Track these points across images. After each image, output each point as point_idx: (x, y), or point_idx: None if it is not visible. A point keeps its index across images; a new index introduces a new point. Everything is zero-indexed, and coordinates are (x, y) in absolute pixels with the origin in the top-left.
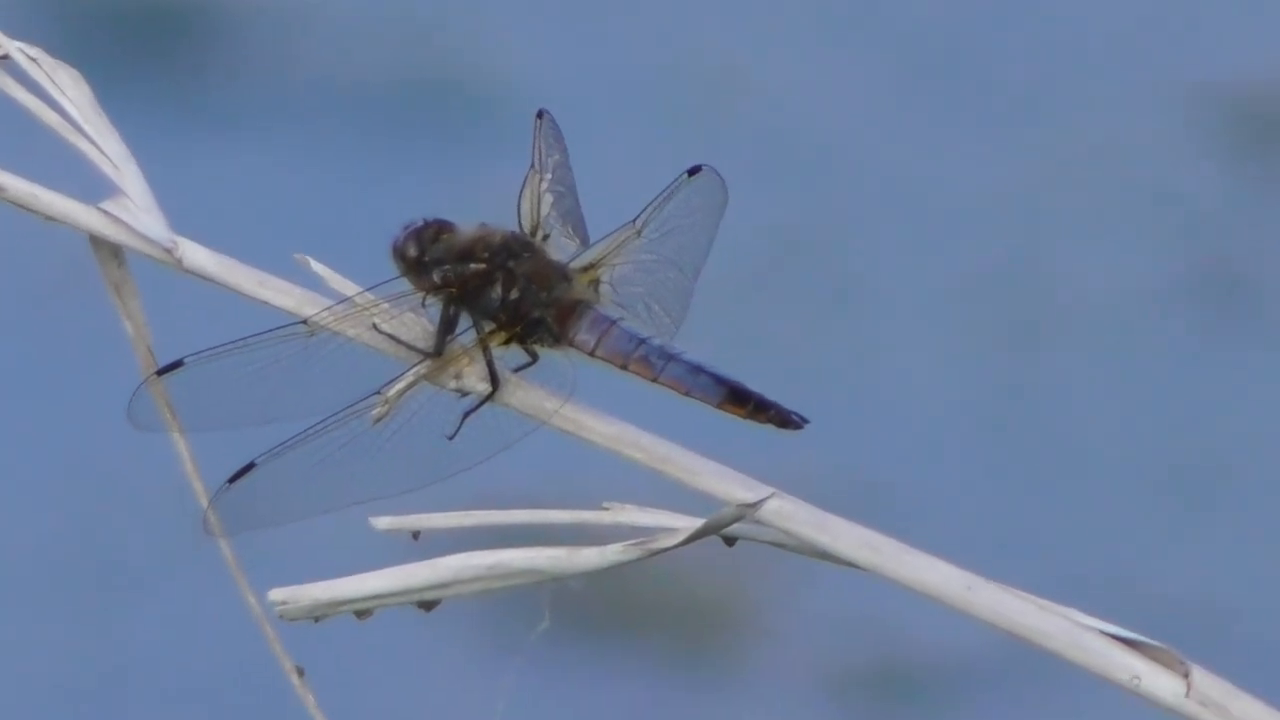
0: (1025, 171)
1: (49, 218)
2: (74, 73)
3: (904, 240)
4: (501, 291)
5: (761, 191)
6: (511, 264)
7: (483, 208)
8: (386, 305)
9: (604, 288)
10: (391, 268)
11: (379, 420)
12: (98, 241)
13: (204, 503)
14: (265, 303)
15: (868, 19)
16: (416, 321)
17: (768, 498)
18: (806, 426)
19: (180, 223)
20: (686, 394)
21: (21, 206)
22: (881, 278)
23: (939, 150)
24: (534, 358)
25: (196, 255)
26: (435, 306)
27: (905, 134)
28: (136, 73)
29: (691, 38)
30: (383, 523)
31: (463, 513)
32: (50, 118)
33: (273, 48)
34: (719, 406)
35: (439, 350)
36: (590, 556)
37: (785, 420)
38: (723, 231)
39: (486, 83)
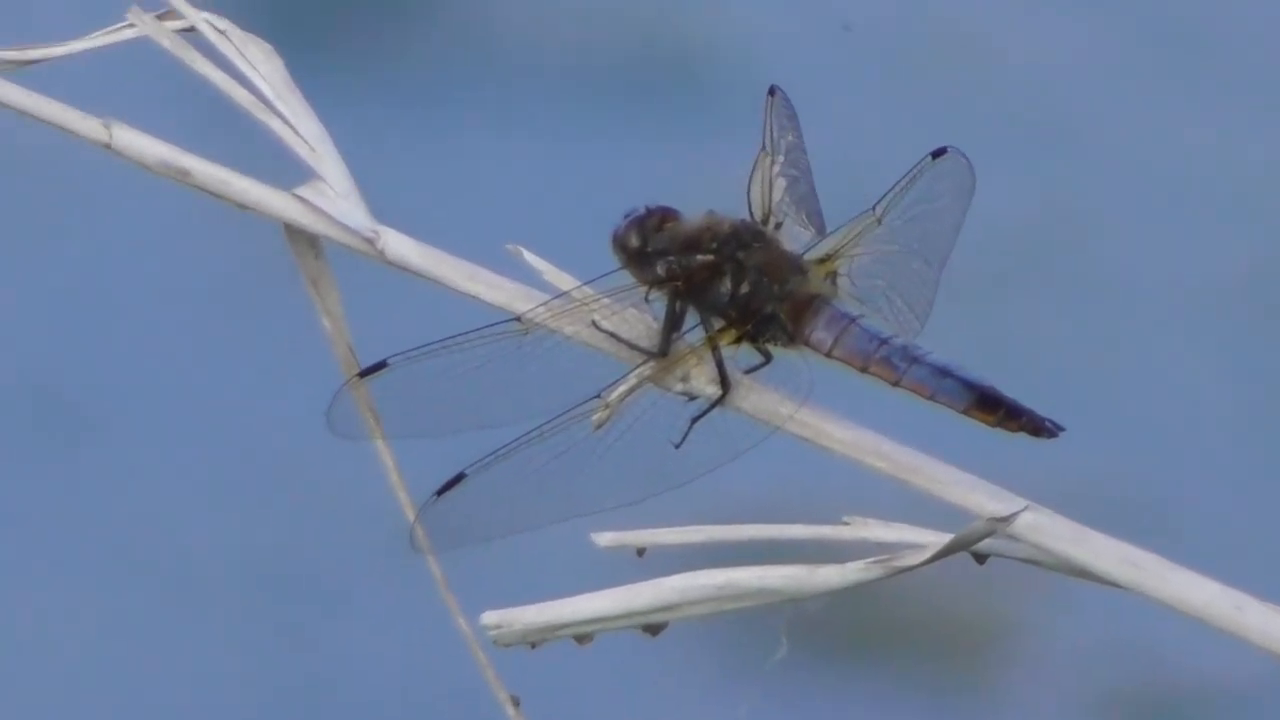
0: None
1: (241, 205)
2: (266, 46)
3: (1163, 229)
4: (731, 285)
5: (1008, 175)
6: (741, 255)
7: (710, 195)
8: (607, 301)
9: (842, 281)
10: (612, 260)
11: (600, 426)
12: (293, 231)
13: (411, 516)
14: (475, 298)
15: None
16: (639, 318)
17: (1021, 511)
18: (1061, 434)
19: (382, 210)
20: (931, 398)
21: (211, 193)
22: (1138, 270)
23: (1201, 129)
24: (767, 358)
25: (400, 246)
26: (660, 302)
27: (1162, 111)
28: (332, 47)
29: (936, 7)
30: (604, 539)
31: (690, 528)
32: (241, 95)
33: (479, 19)
34: (966, 412)
35: (664, 350)
36: (830, 575)
37: (1039, 428)
38: (969, 219)
39: (714, 56)
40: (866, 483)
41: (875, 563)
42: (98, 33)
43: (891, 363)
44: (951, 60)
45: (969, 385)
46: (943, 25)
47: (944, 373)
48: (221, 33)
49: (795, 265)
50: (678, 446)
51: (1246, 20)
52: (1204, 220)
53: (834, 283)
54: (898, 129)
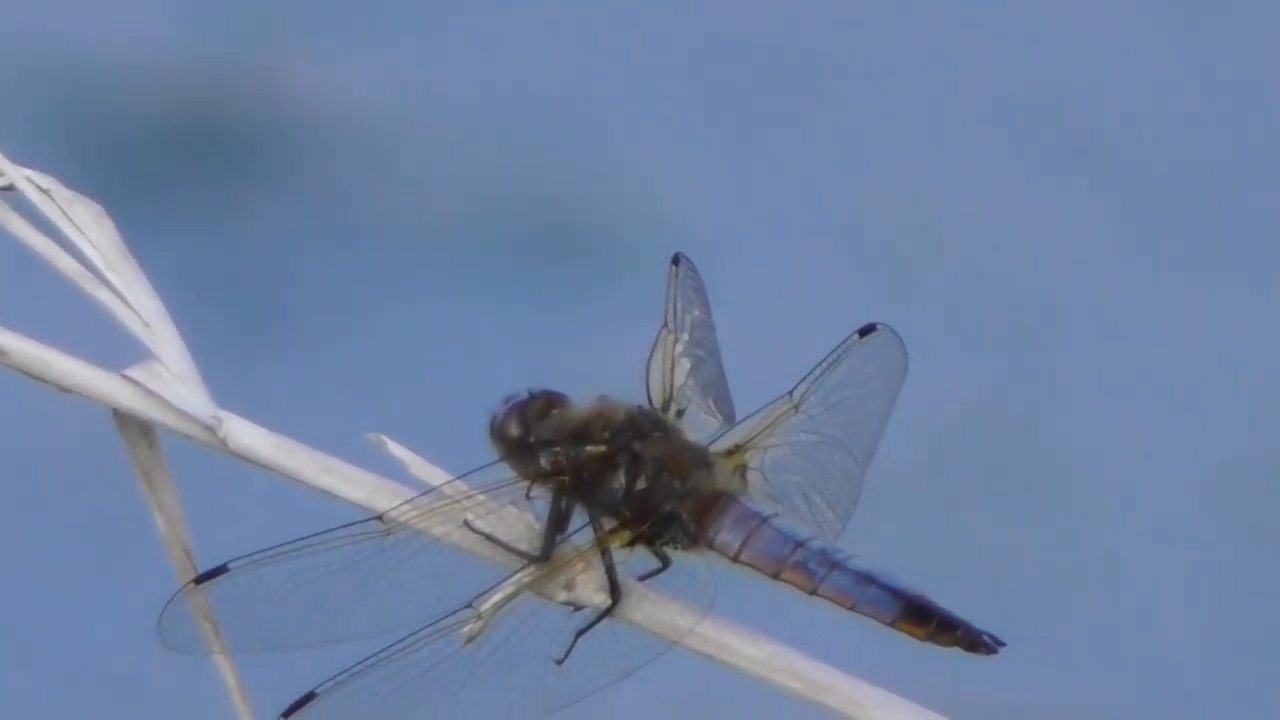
0: None
1: (64, 388)
2: (95, 208)
3: (1138, 418)
4: (625, 480)
5: (954, 355)
6: (638, 446)
7: (603, 378)
8: (482, 498)
9: (753, 476)
10: (489, 451)
11: (471, 640)
12: (123, 417)
13: None
14: (330, 494)
15: (1090, 147)
16: (519, 518)
17: None
18: (1002, 650)
19: (225, 395)
20: (853, 609)
21: (30, 374)
22: (1100, 466)
23: (1181, 307)
24: (665, 563)
25: (245, 435)
26: (543, 499)
27: (1137, 285)
28: (169, 209)
29: (879, 169)
30: None
31: None
32: (66, 263)
33: (336, 172)
34: (894, 625)
35: (547, 553)
36: None
37: (975, 642)
38: (901, 405)
39: (609, 221)
40: (778, 705)
41: None
42: None
43: (808, 568)
44: (895, 227)
45: (896, 594)
46: (886, 187)
47: (868, 580)
48: (45, 192)
49: (699, 458)
50: (560, 663)
51: (1244, 194)
52: (1189, 409)
53: (744, 478)
54: (822, 305)
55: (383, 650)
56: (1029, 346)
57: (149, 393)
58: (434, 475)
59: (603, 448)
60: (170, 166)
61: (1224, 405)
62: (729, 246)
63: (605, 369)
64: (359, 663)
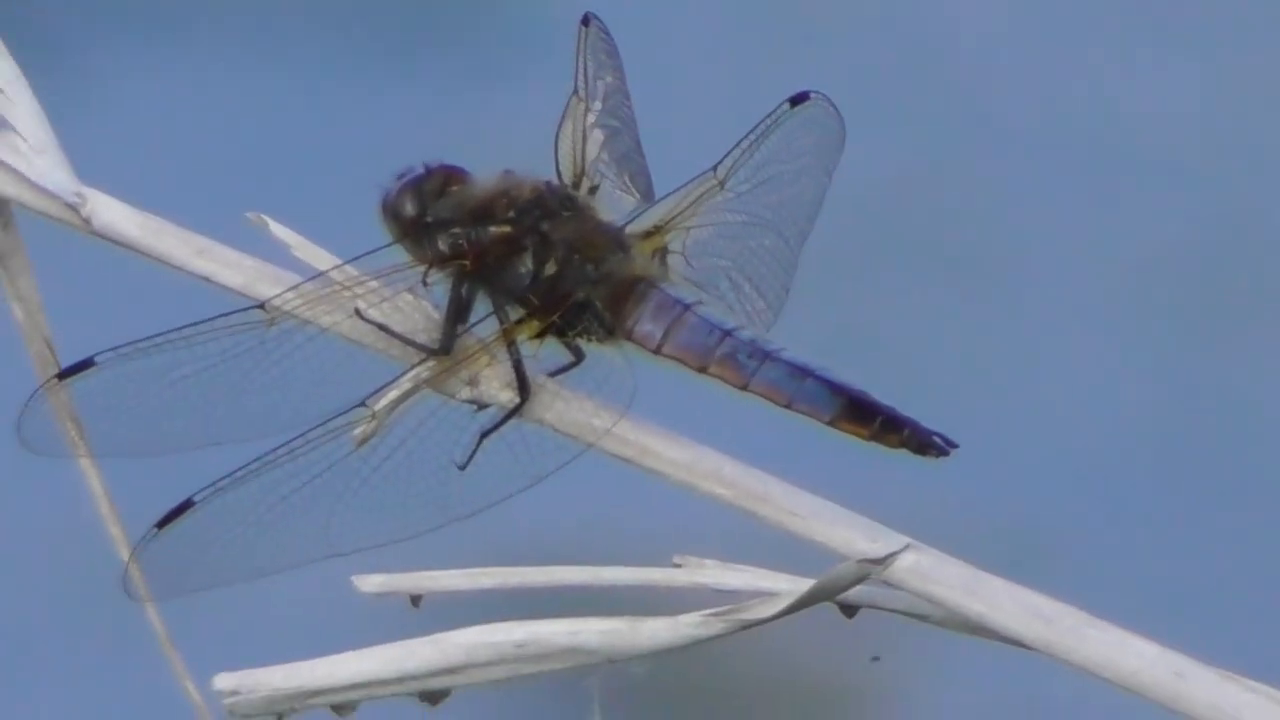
0: (1234, 100)
1: None
2: None
3: (1068, 195)
4: (533, 265)
5: (882, 130)
6: (546, 226)
7: (506, 153)
8: (374, 284)
9: (674, 259)
10: (382, 233)
11: (364, 442)
12: None
13: (124, 554)
14: (207, 279)
15: None
16: (416, 306)
17: (901, 550)
18: (953, 453)
19: (89, 172)
20: (789, 406)
21: None
22: (1039, 246)
23: (1115, 80)
24: (578, 356)
25: (111, 213)
26: (442, 286)
27: (1071, 47)
28: None
29: None
30: (370, 583)
31: (479, 570)
32: None
33: None
34: (833, 423)
35: (447, 346)
36: (658, 630)
37: (924, 443)
38: (835, 184)
39: None
40: (704, 516)
41: (715, 615)
42: None
43: (737, 361)
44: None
45: (836, 389)
46: None
47: (804, 373)
48: None
49: (615, 239)
50: (463, 468)
51: None
52: (1121, 184)
53: (664, 262)
54: (749, 72)
55: (267, 454)
56: (954, 123)
57: (4, 166)
58: (321, 259)
59: (507, 228)
60: None
61: (1155, 192)
62: (643, 8)
63: (510, 145)
64: (240, 468)
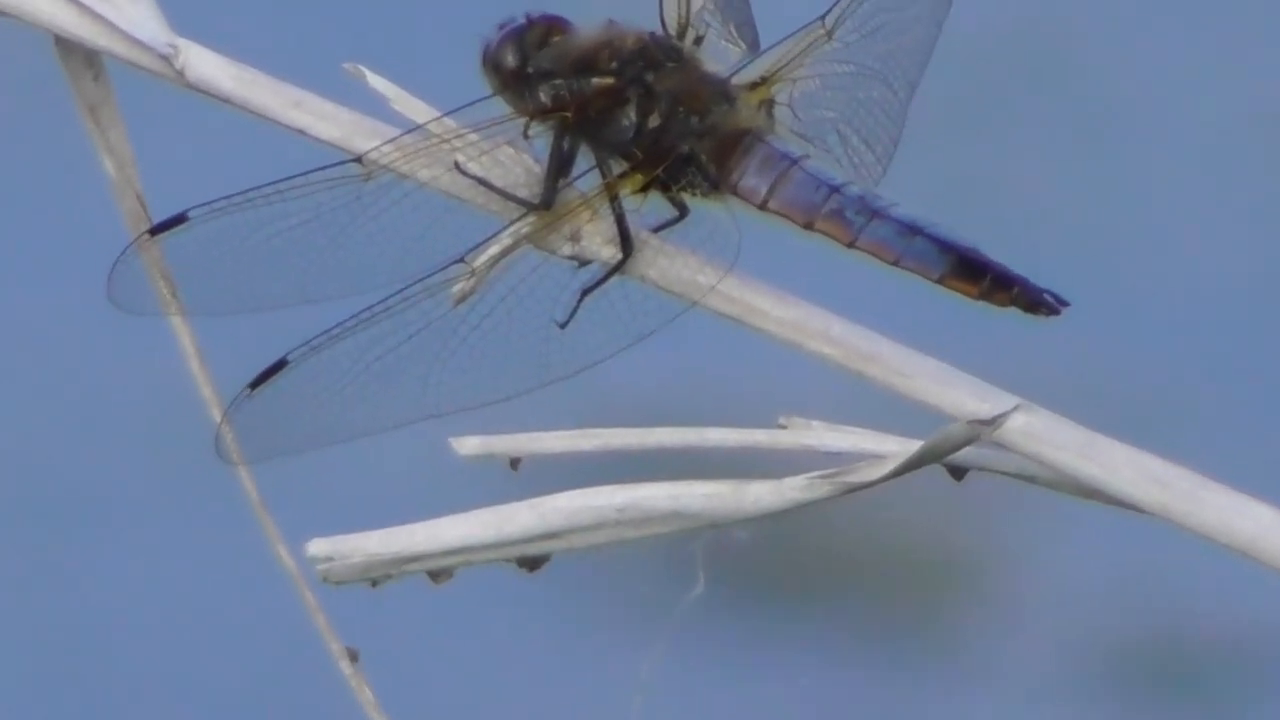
0: None
1: None
2: None
3: (1187, 46)
4: (636, 116)
5: None
6: (650, 78)
7: (612, 5)
8: (474, 137)
9: (781, 112)
10: (482, 84)
11: (463, 299)
12: (65, 44)
13: (217, 415)
14: (302, 132)
15: None
16: (516, 160)
17: (1011, 411)
18: (1065, 311)
19: (182, 22)
20: (896, 263)
21: None
22: (1157, 99)
23: None
24: (682, 211)
25: (205, 65)
26: (543, 138)
27: None
28: None
29: None
30: (468, 445)
31: (580, 432)
32: None
33: None
34: (942, 281)
35: (548, 200)
36: (762, 494)
37: (1035, 301)
38: (945, 34)
39: None
40: (810, 376)
41: (821, 477)
42: None
43: (845, 217)
44: None
45: (946, 246)
46: None
47: (913, 230)
48: None
49: (720, 91)
50: (564, 326)
51: None
52: (1245, 38)
53: (770, 114)
54: None
55: (363, 311)
56: None
57: (95, 16)
58: (419, 111)
59: (610, 79)
60: None
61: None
62: None
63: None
64: (335, 326)
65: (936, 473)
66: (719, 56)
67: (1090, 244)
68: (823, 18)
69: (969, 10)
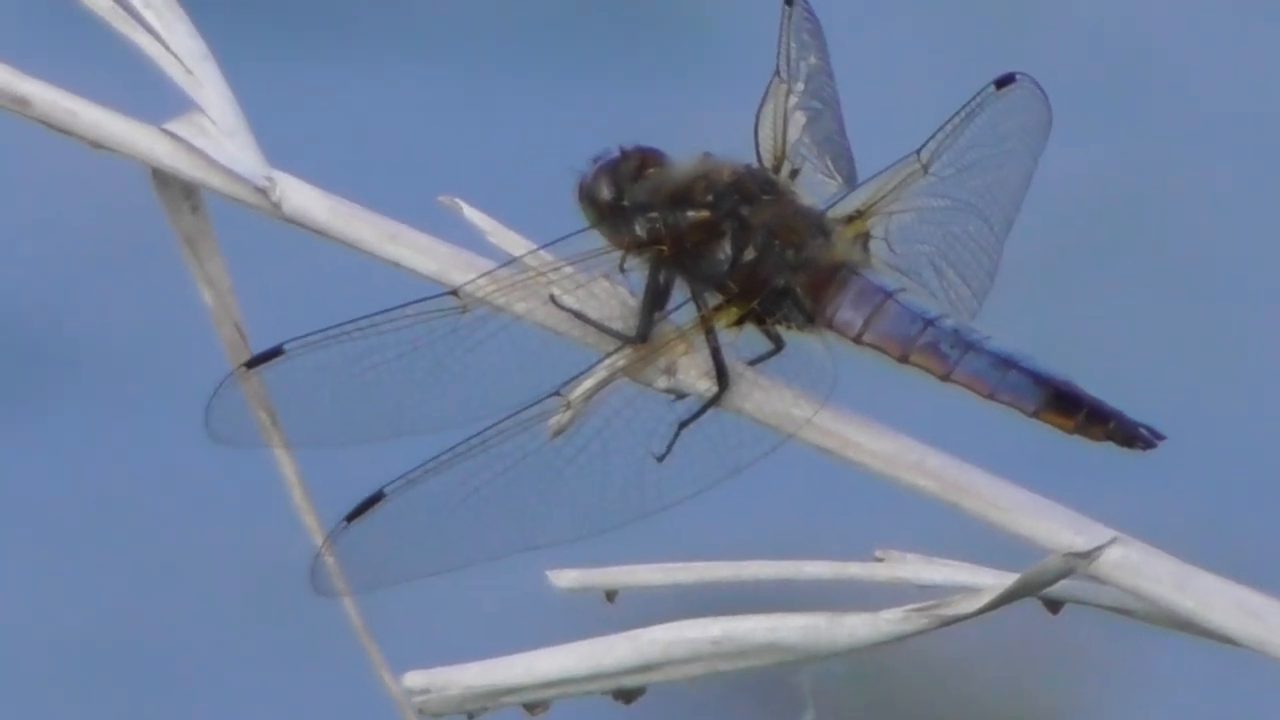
0: None
1: (95, 144)
2: None
3: (1274, 190)
4: (732, 250)
5: (1084, 122)
6: (746, 211)
7: (705, 138)
8: (570, 270)
9: (877, 245)
10: (578, 217)
11: (560, 432)
12: (164, 177)
13: (317, 545)
14: (398, 265)
15: None
16: (612, 293)
17: (1108, 544)
18: (1160, 445)
19: (278, 155)
20: (992, 397)
21: (56, 127)
22: (1252, 246)
23: None
24: (778, 345)
25: (301, 198)
26: (639, 271)
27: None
28: None
29: None
30: (565, 579)
31: (676, 565)
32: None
33: None
34: (1037, 415)
35: (644, 334)
36: (858, 626)
37: (1131, 436)
38: (1039, 172)
39: None
40: (906, 508)
41: (916, 610)
42: None
43: (940, 350)
44: None
45: (1040, 380)
46: None
47: (1008, 363)
48: None
49: (816, 224)
50: (661, 459)
51: None
52: None
53: (866, 247)
54: (950, 57)
55: (459, 444)
56: (1168, 118)
57: (192, 149)
58: (515, 244)
59: (706, 212)
60: None
61: None
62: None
63: (708, 131)
64: (432, 459)
65: (1031, 605)
66: (815, 189)
67: (1182, 382)
68: (918, 152)
69: (1063, 153)
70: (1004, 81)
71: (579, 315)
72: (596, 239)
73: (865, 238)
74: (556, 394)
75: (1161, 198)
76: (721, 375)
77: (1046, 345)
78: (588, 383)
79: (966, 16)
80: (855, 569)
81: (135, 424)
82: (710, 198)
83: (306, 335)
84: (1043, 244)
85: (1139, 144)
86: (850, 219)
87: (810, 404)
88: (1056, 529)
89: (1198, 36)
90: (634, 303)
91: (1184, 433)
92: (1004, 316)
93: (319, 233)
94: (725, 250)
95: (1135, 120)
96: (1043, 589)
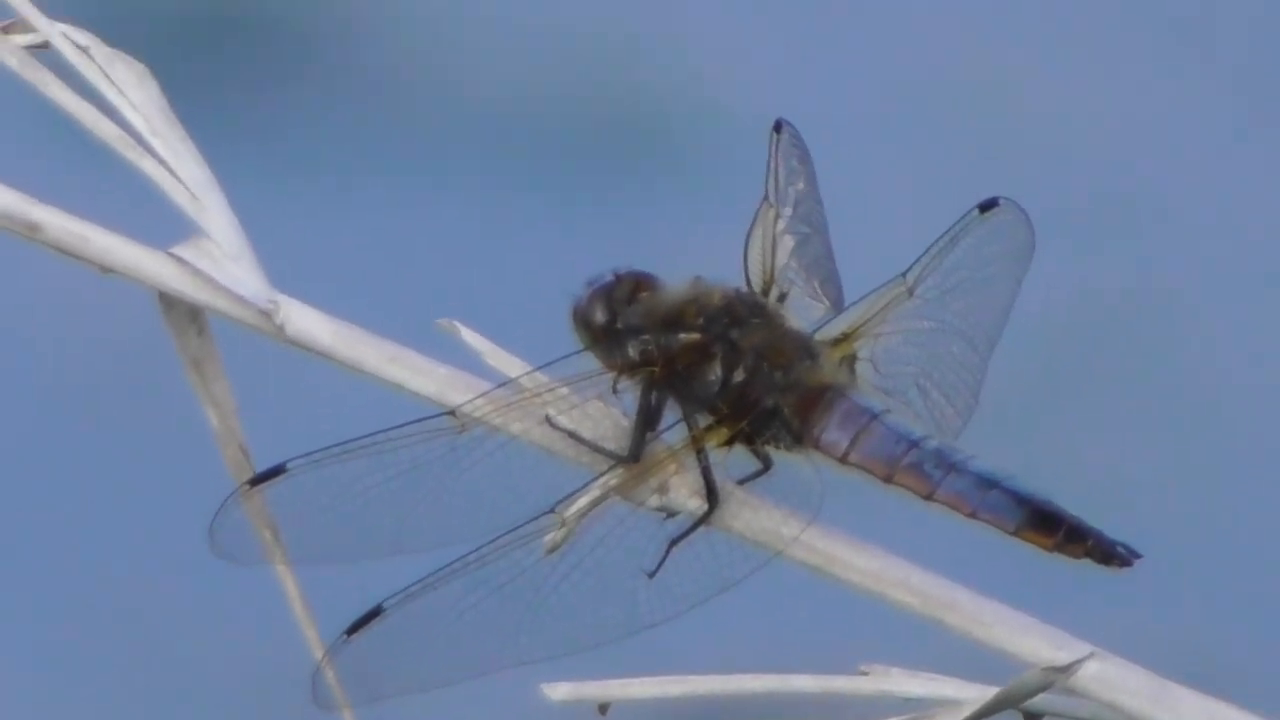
0: None
1: (104, 268)
2: (139, 67)
3: (1263, 317)
4: (722, 372)
5: (1070, 243)
6: (735, 334)
7: (696, 262)
8: (564, 391)
9: (862, 367)
10: (572, 339)
11: (554, 549)
12: (170, 301)
13: (317, 659)
14: (398, 386)
15: (1198, 17)
16: (605, 413)
17: (1085, 658)
18: (1137, 564)
19: (281, 278)
20: (974, 515)
21: (66, 252)
22: (1232, 366)
23: None
24: (766, 464)
25: (304, 320)
26: (631, 392)
27: (1262, 170)
28: (220, 91)
29: (956, 42)
30: (559, 691)
31: (668, 678)
32: (105, 129)
33: (395, 63)
34: (1018, 533)
35: (636, 453)
36: None
37: (1109, 554)
38: (1022, 294)
39: (692, 100)
40: (890, 623)
41: None
42: None
43: (924, 470)
44: (1003, 110)
45: (1021, 499)
46: (988, 69)
47: (990, 483)
48: (83, 50)
49: (803, 347)
50: (652, 576)
51: None
52: None
53: (852, 369)
54: (936, 181)
55: (456, 561)
56: (1151, 240)
57: (198, 273)
58: (511, 366)
59: (697, 335)
60: (228, 51)
61: None
62: (817, 132)
63: (698, 255)
64: (430, 575)
65: (1013, 716)
66: (803, 312)
67: (1165, 500)
68: (904, 275)
69: (1040, 280)
70: (988, 205)
71: (573, 435)
72: (591, 361)
73: (852, 360)
74: (551, 512)
75: (1146, 316)
76: (712, 494)
77: (1032, 462)
78: (582, 501)
79: (952, 142)
80: (841, 682)
81: (138, 537)
82: (701, 321)
83: (308, 454)
84: (1029, 363)
85: (1124, 265)
86: (837, 341)
87: (798, 522)
88: (1036, 644)
89: (1178, 160)
90: (627, 423)
91: (1163, 550)
92: (991, 435)
93: (322, 354)
94: (715, 372)
95: (1119, 242)
96: (1023, 702)
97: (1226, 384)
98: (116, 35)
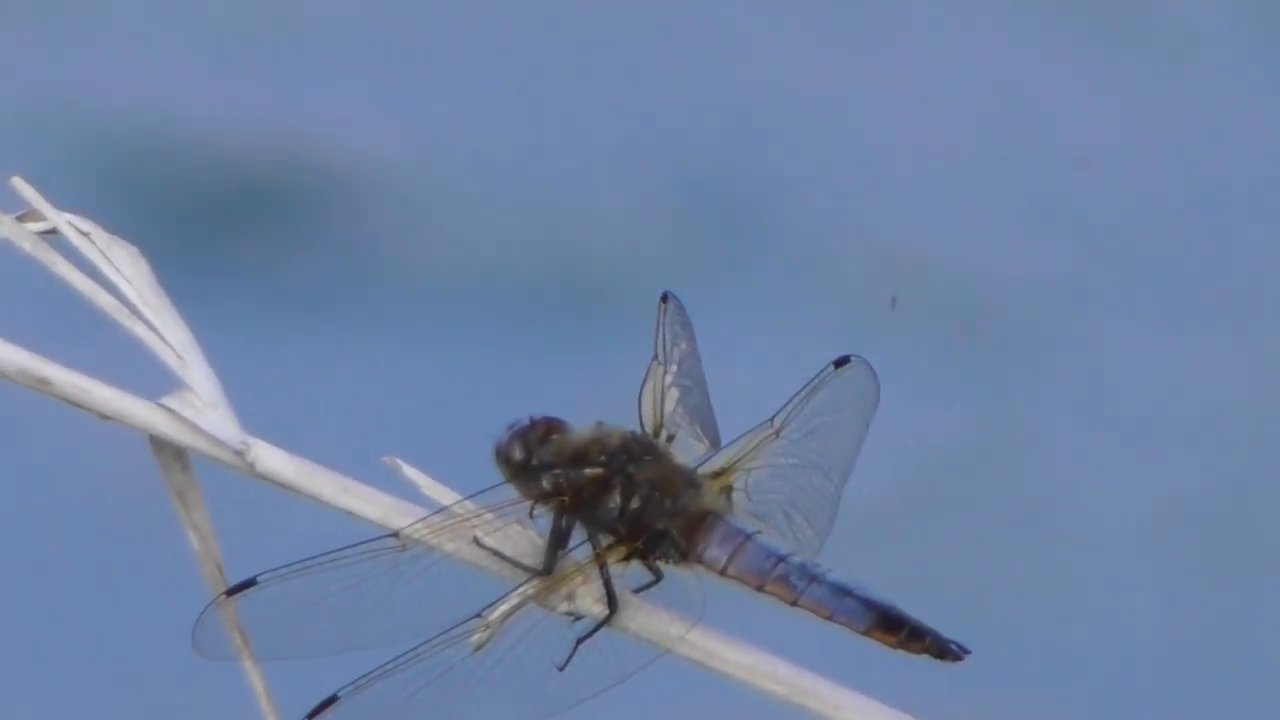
0: (1255, 379)
1: (103, 416)
2: (131, 249)
3: (1101, 451)
4: (620, 500)
5: (923, 388)
6: (632, 469)
7: (599, 407)
8: (489, 516)
9: (737, 496)
10: (495, 473)
11: (479, 648)
12: (159, 443)
13: None
14: (349, 513)
15: (1067, 195)
16: (523, 535)
17: None
18: (967, 658)
19: (253, 421)
20: (830, 619)
21: (72, 403)
22: (1070, 497)
23: (1156, 353)
24: (657, 576)
25: (271, 459)
26: (545, 517)
27: (1114, 331)
28: (205, 257)
29: (858, 206)
30: None
31: None
32: (105, 301)
33: (359, 233)
34: (867, 633)
35: (549, 568)
36: None
37: (943, 650)
38: (875, 436)
39: (599, 266)
40: (762, 709)
41: None
42: None
43: (789, 581)
44: (877, 265)
45: (870, 605)
46: (866, 228)
47: (844, 592)
48: (85, 235)
49: (688, 479)
50: (562, 669)
51: (1213, 247)
52: (1155, 443)
53: (729, 498)
54: (807, 335)
55: (399, 656)
56: (998, 382)
57: (182, 420)
58: (445, 495)
59: (600, 470)
60: (210, 223)
61: (1178, 443)
62: (714, 294)
63: (599, 400)
64: (377, 668)
65: None
66: (687, 451)
67: (992, 613)
68: (772, 419)
69: (911, 421)
70: (841, 361)
71: (497, 553)
72: (511, 491)
73: (729, 490)
74: (478, 616)
75: (1008, 453)
76: (612, 600)
77: (896, 576)
78: (503, 607)
79: (817, 303)
80: None
81: (132, 637)
82: (603, 458)
83: (276, 569)
84: (884, 492)
85: (988, 405)
86: (716, 474)
87: (683, 624)
88: None
89: (1040, 302)
90: (541, 542)
91: (1002, 649)
92: (844, 553)
93: (286, 487)
94: (615, 500)
95: (984, 383)
96: None
97: (1071, 517)
98: (115, 211)
